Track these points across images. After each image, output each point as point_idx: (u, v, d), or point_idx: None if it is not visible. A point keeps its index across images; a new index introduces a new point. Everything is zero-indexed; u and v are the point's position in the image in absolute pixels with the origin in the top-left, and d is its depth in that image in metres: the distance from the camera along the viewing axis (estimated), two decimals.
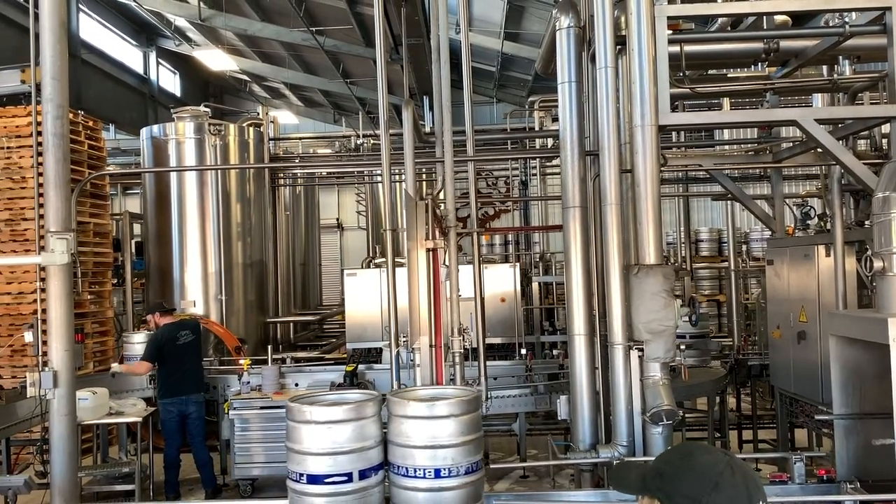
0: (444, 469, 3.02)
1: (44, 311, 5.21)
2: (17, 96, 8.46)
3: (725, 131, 9.73)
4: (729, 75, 6.87)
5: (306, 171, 13.34)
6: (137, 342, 8.29)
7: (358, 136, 13.74)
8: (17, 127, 8.67)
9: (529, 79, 17.74)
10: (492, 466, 5.78)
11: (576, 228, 5.14)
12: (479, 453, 3.15)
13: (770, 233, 8.09)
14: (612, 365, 4.88)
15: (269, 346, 8.43)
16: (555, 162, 12.36)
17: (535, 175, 12.37)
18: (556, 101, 5.36)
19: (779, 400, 7.38)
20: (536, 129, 12.27)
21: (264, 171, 11.49)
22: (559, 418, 5.33)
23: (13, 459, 7.06)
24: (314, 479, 2.91)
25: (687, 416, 8.19)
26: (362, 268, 11.31)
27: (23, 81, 5.51)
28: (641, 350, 4.78)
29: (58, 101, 5.09)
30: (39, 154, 5.90)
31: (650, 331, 4.75)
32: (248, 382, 7.63)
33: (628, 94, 5.13)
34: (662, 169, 5.20)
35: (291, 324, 12.29)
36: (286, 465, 3.06)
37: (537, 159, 11.92)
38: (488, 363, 6.45)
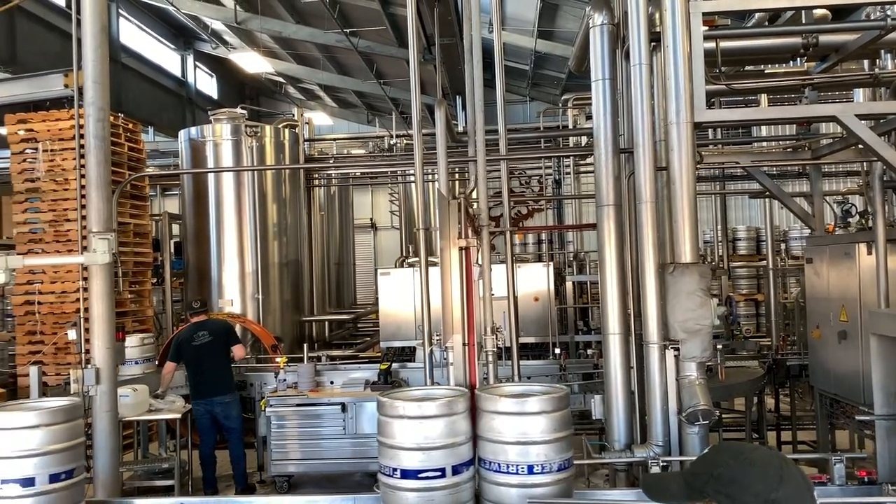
0: (537, 465, 3.05)
1: (86, 309, 5.35)
2: (61, 100, 8.67)
3: (763, 128, 9.57)
4: (766, 71, 6.77)
5: (340, 171, 13.45)
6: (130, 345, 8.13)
7: (391, 137, 13.81)
8: (59, 130, 8.89)
9: (563, 77, 17.65)
10: None
11: (610, 227, 5.11)
12: (570, 451, 3.17)
13: (809, 231, 7.94)
14: (648, 364, 4.84)
15: (305, 345, 8.53)
16: (588, 160, 12.29)
17: (569, 174, 12.30)
18: (590, 98, 5.33)
19: (818, 401, 7.25)
20: (570, 127, 12.21)
21: (299, 171, 11.61)
22: (594, 418, 5.31)
23: None
24: (408, 474, 2.96)
25: (724, 416, 8.08)
26: (396, 267, 11.37)
27: (66, 86, 5.65)
28: (677, 349, 4.73)
29: (99, 105, 5.22)
30: (82, 156, 6.06)
31: (686, 330, 4.70)
32: (285, 380, 7.72)
33: (663, 91, 5.08)
34: (698, 166, 5.14)
35: (326, 322, 12.40)
36: (379, 460, 3.09)
37: (571, 158, 11.85)
38: (522, 362, 6.44)
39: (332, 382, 7.95)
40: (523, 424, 3.11)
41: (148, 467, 7.42)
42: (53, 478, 3.20)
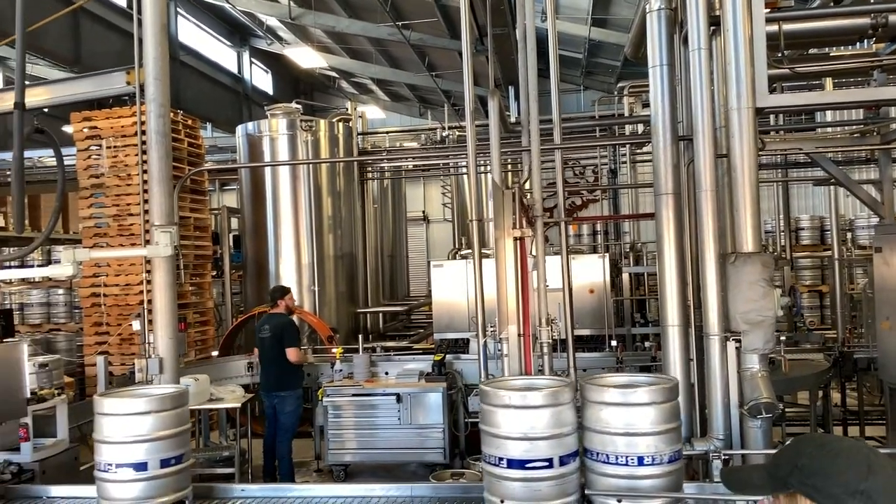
0: (647, 457, 3.01)
1: (149, 301, 5.51)
2: (122, 97, 8.92)
3: (828, 113, 9.23)
4: (832, 54, 6.53)
5: (394, 164, 13.53)
6: None
7: (443, 129, 13.81)
8: (122, 127, 9.15)
9: (618, 65, 17.38)
10: None
11: (669, 216, 5.00)
12: (679, 442, 3.12)
13: (878, 219, 7.64)
14: (708, 356, 4.74)
15: (360, 336, 8.60)
16: (646, 149, 12.06)
17: (625, 163, 12.11)
18: (647, 86, 5.22)
19: (888, 394, 6.99)
20: (626, 115, 12.01)
21: (353, 165, 11.72)
22: None
23: None
24: (515, 464, 2.96)
25: (787, 410, 7.86)
26: (448, 259, 11.38)
27: (128, 83, 5.81)
28: (739, 341, 4.62)
29: (160, 101, 5.35)
30: (144, 152, 6.22)
31: (748, 321, 4.59)
32: (341, 370, 7.82)
33: (723, 77, 4.96)
34: (760, 153, 4.99)
35: (380, 314, 12.50)
36: (483, 449, 3.11)
37: (627, 147, 11.65)
38: (577, 355, 6.37)
39: (386, 373, 8.00)
40: (633, 415, 3.06)
41: (209, 455, 7.60)
42: (164, 462, 3.31)
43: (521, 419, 2.99)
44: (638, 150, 12.24)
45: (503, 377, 3.98)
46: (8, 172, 13.95)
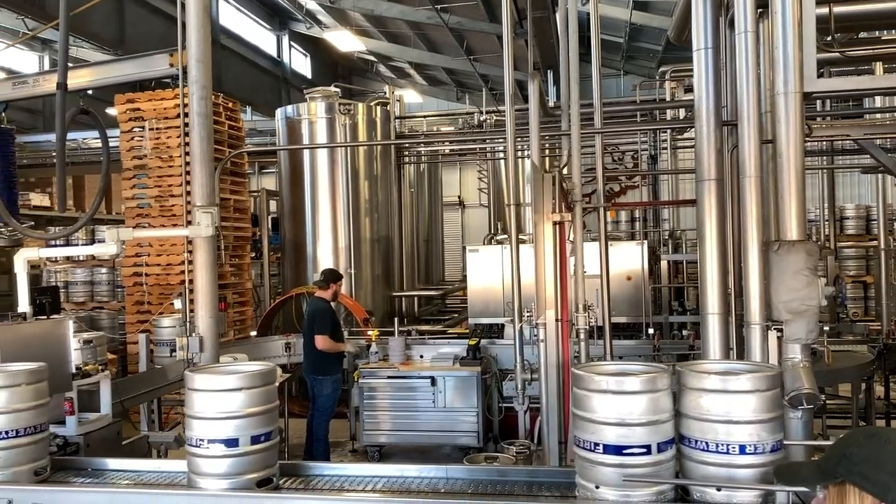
0: (749, 446, 2.97)
1: (191, 281, 5.60)
2: (165, 80, 9.04)
3: (877, 98, 8.97)
4: (883, 37, 6.34)
5: (430, 148, 13.51)
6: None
7: (481, 113, 13.74)
8: (164, 109, 9.30)
9: (659, 49, 17.09)
10: None
11: (711, 202, 4.91)
12: (781, 432, 3.08)
13: None
14: (749, 346, 4.65)
15: (396, 319, 8.64)
16: (686, 135, 11.87)
17: (665, 149, 11.92)
18: (690, 70, 5.12)
19: None
20: (668, 100, 11.83)
21: (390, 149, 11.74)
22: None
23: (163, 418, 7.64)
24: (611, 449, 2.94)
25: (828, 402, 7.72)
26: (484, 244, 11.36)
27: (171, 65, 5.88)
28: (780, 330, 4.52)
29: (202, 83, 5.40)
30: (186, 134, 6.31)
31: (791, 310, 4.49)
32: (377, 352, 7.87)
33: (770, 60, 4.84)
34: (806, 139, 4.87)
35: (416, 298, 12.55)
36: (575, 434, 3.10)
37: (668, 132, 11.47)
38: (614, 342, 6.33)
39: (421, 356, 8.04)
40: (734, 403, 3.01)
41: None
42: (254, 439, 3.31)
43: (619, 404, 2.97)
44: (679, 136, 12.05)
45: (594, 362, 3.93)
46: (54, 153, 14.29)
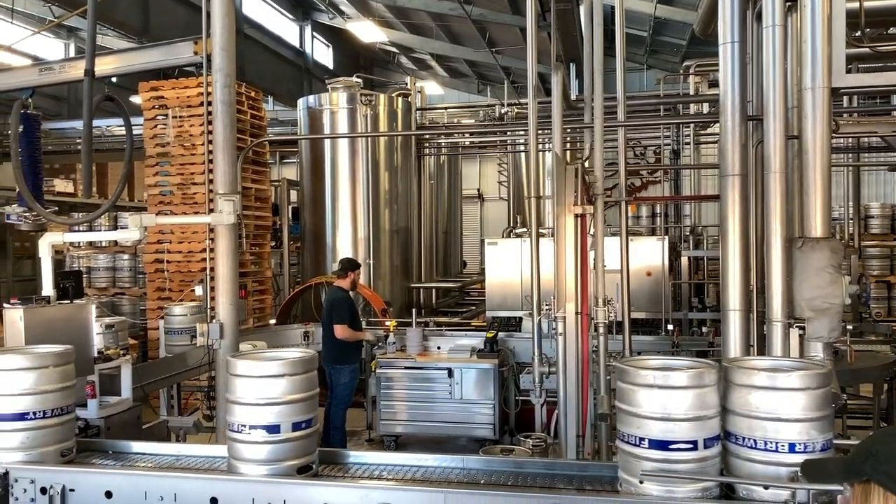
0: (799, 444, 2.93)
1: (212, 269, 5.64)
2: (187, 69, 9.09)
3: None
4: None
5: (451, 140, 13.49)
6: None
7: (502, 105, 13.70)
8: (188, 97, 9.36)
9: (683, 44, 16.94)
10: None
11: (734, 198, 4.86)
12: (831, 431, 3.04)
13: None
14: (769, 343, 4.61)
15: (414, 310, 8.66)
16: (710, 130, 11.76)
17: (688, 144, 11.82)
18: (715, 64, 5.08)
19: None
20: (692, 94, 11.72)
21: (411, 140, 11.74)
22: None
23: (183, 403, 7.72)
24: (657, 445, 2.92)
25: (849, 402, 7.63)
26: (503, 237, 11.34)
27: (195, 53, 5.90)
28: (802, 328, 4.48)
29: (226, 71, 5.42)
30: (209, 122, 6.34)
31: (813, 308, 4.44)
32: (394, 343, 7.89)
33: (797, 55, 4.78)
34: (832, 136, 4.81)
35: (433, 290, 12.56)
36: (619, 428, 3.10)
37: (691, 127, 11.37)
38: (632, 337, 6.30)
39: (438, 348, 8.05)
40: (784, 400, 2.98)
41: None
42: (295, 426, 3.32)
43: (665, 399, 2.95)
44: (702, 131, 11.94)
45: (638, 356, 3.89)
46: (78, 140, 14.44)
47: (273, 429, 3.30)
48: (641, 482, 2.99)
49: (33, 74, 6.46)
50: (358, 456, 3.76)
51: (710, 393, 3.02)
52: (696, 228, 11.73)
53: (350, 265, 7.92)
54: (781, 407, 3.00)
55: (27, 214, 5.95)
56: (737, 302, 4.89)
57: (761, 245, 5.04)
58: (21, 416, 3.57)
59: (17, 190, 5.88)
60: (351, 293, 7.90)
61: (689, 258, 10.41)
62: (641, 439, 2.96)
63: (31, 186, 5.78)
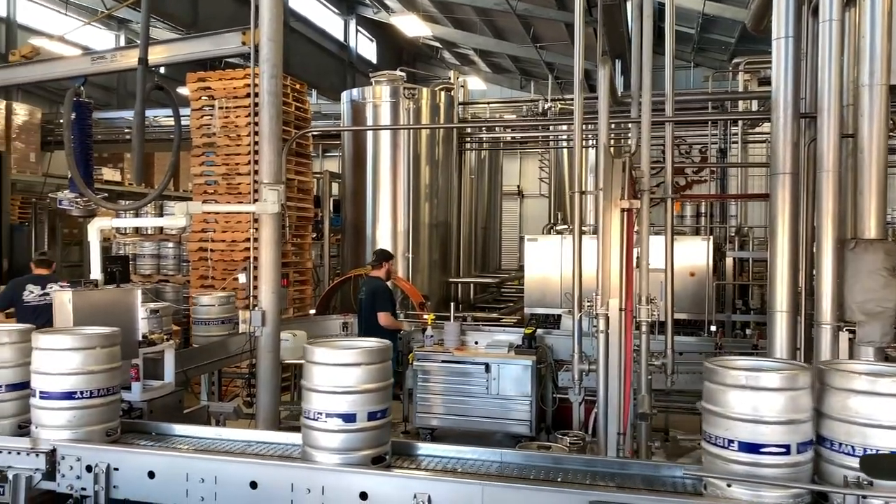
0: None
1: (255, 258, 5.70)
2: (233, 61, 9.22)
3: None
4: None
5: (493, 135, 13.44)
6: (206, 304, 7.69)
7: (546, 101, 13.60)
8: (234, 89, 9.48)
9: (732, 41, 16.62)
10: (679, 439, 5.56)
11: (784, 196, 4.75)
12: None
13: None
14: (817, 347, 4.51)
15: (452, 304, 8.64)
16: (758, 129, 11.51)
17: (736, 143, 11.58)
18: (765, 62, 4.96)
19: None
20: (741, 91, 11.49)
21: (453, 135, 11.72)
22: None
23: (223, 390, 7.83)
24: (748, 448, 2.87)
25: None
26: (543, 234, 11.27)
27: (243, 43, 5.97)
28: (853, 332, 4.37)
29: (273, 61, 5.47)
30: (255, 114, 6.40)
31: (865, 312, 4.33)
32: (432, 336, 7.89)
33: (854, 51, 4.65)
34: (889, 134, 4.67)
35: (472, 285, 12.54)
36: (705, 429, 3.04)
37: (739, 125, 11.14)
38: (675, 338, 6.20)
39: (476, 343, 8.02)
40: (885, 406, 2.88)
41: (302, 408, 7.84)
42: (371, 415, 3.33)
43: (756, 401, 2.88)
44: (750, 130, 11.69)
45: (726, 356, 3.81)
46: (126, 130, 14.74)
47: (349, 417, 3.29)
48: (729, 485, 2.91)
49: (86, 63, 6.60)
50: (429, 448, 3.72)
51: (804, 396, 2.91)
52: (741, 229, 11.50)
53: (385, 255, 8.01)
54: (882, 412, 2.88)
55: (78, 200, 6.09)
56: (784, 303, 4.78)
57: (811, 246, 4.92)
58: (69, 395, 3.66)
59: (69, 176, 6.02)
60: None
61: (733, 259, 10.21)
62: (730, 441, 2.88)
63: (83, 172, 5.91)
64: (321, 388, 3.35)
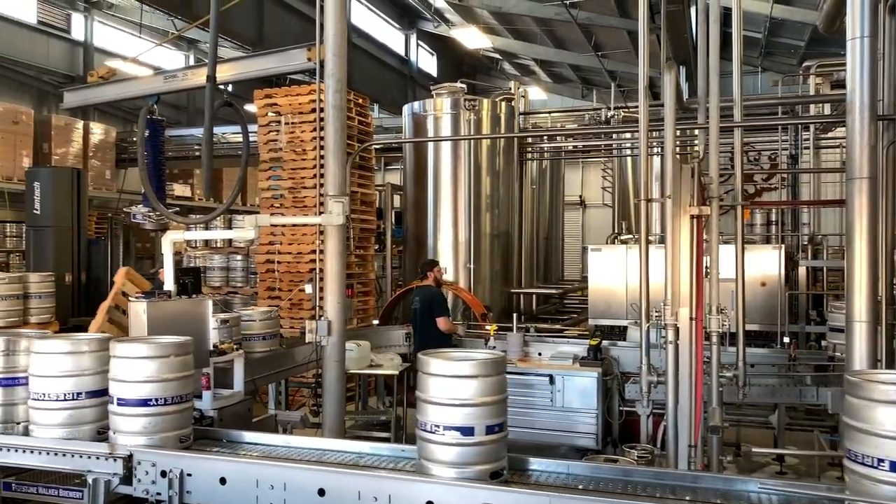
0: None
1: (321, 270, 5.79)
2: (297, 77, 9.42)
3: None
4: None
5: (554, 144, 13.36)
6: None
7: (609, 109, 13.45)
8: (299, 104, 9.69)
9: (801, 45, 16.16)
10: (753, 451, 5.36)
11: (862, 202, 4.57)
12: None
13: None
14: None
15: (514, 315, 8.59)
16: (831, 133, 11.14)
17: (807, 148, 11.20)
18: (839, 64, 4.80)
19: None
20: (812, 94, 11.13)
21: (513, 145, 11.70)
22: (830, 412, 4.83)
23: (290, 399, 7.95)
24: None
25: None
26: (607, 244, 11.12)
27: (308, 59, 6.11)
28: None
29: (338, 76, 5.57)
30: (320, 129, 6.53)
31: None
32: (494, 347, 7.85)
33: None
34: None
35: (534, 295, 12.45)
36: (847, 445, 2.91)
37: (811, 130, 10.78)
38: (746, 349, 6.03)
39: (539, 354, 7.95)
40: None
41: (367, 418, 7.92)
42: (489, 429, 3.27)
43: None
44: (822, 135, 11.31)
45: (865, 369, 3.63)
46: (196, 147, 15.21)
47: (468, 431, 3.22)
48: None
49: (159, 82, 6.86)
50: (542, 463, 3.64)
51: None
52: (814, 237, 11.11)
53: (429, 265, 8.28)
54: None
55: (151, 214, 6.31)
56: (863, 312, 4.59)
57: (891, 253, 4.71)
58: (145, 402, 3.77)
59: (142, 191, 6.25)
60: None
61: (807, 268, 9.86)
62: (880, 461, 2.73)
63: (155, 188, 6.12)
64: (437, 399, 3.28)
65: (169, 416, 3.81)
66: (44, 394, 3.89)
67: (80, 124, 15.20)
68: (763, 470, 7.00)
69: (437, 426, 3.27)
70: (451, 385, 3.28)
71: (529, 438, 7.62)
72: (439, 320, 7.64)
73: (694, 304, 4.13)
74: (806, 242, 10.76)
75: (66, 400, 3.88)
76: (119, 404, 3.79)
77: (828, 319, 7.79)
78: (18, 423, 4.09)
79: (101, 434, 3.95)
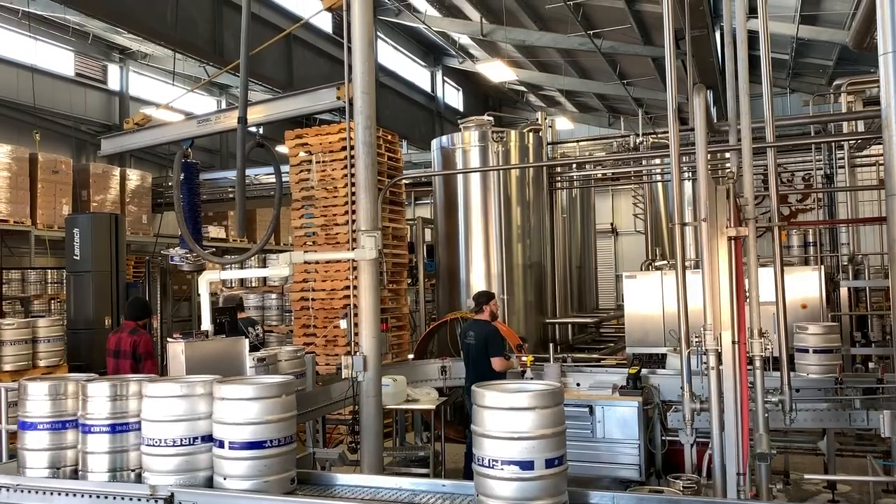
0: None
1: (355, 304, 5.81)
2: (327, 117, 9.57)
3: None
4: None
5: (583, 172, 13.35)
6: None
7: (637, 136, 13.42)
8: (329, 143, 9.83)
9: (830, 64, 16.02)
10: (805, 478, 5.19)
11: None
12: None
13: None
14: None
15: (551, 345, 8.50)
16: (866, 151, 10.97)
17: (842, 167, 11.03)
18: (870, 81, 4.73)
19: None
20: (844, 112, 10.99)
21: (543, 175, 11.70)
22: (883, 436, 4.67)
23: (327, 436, 7.92)
24: None
25: None
26: (641, 270, 11.01)
27: (338, 97, 6.22)
28: None
29: (367, 114, 5.64)
30: (351, 165, 6.60)
31: None
32: (531, 378, 7.76)
33: None
34: None
35: (569, 325, 12.34)
36: None
37: (845, 148, 10.61)
38: (791, 374, 5.88)
39: (577, 384, 7.83)
40: None
41: (405, 454, 7.85)
42: (549, 463, 3.18)
43: None
44: (857, 153, 11.13)
45: None
46: (230, 189, 15.48)
47: (527, 465, 3.13)
48: None
49: (192, 126, 7.03)
50: (600, 496, 3.51)
51: None
52: (854, 257, 10.88)
53: (485, 298, 7.87)
54: None
55: (188, 255, 6.41)
56: None
57: None
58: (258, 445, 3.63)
59: (179, 234, 6.35)
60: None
61: (848, 289, 9.65)
62: None
63: (192, 229, 6.23)
64: (494, 433, 3.19)
65: (277, 459, 3.66)
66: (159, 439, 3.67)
67: (117, 171, 15.58)
68: (815, 498, 6.78)
69: (496, 461, 3.17)
70: (508, 418, 3.19)
71: (570, 471, 7.47)
72: (495, 361, 7.36)
73: (736, 327, 4.04)
74: (846, 262, 10.55)
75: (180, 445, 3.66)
76: (230, 448, 3.58)
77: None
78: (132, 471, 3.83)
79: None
